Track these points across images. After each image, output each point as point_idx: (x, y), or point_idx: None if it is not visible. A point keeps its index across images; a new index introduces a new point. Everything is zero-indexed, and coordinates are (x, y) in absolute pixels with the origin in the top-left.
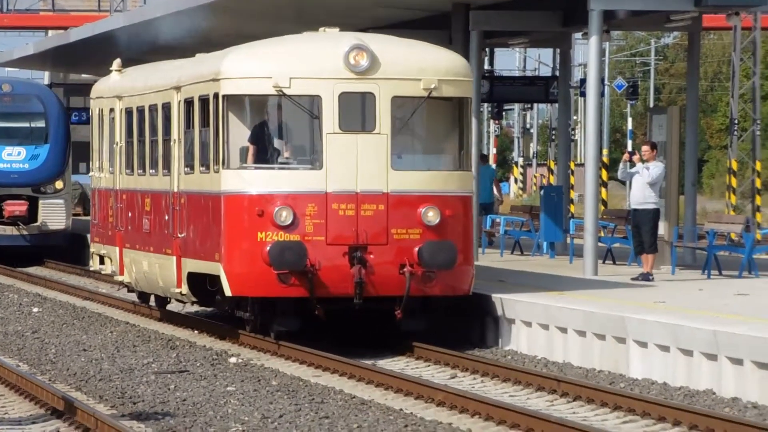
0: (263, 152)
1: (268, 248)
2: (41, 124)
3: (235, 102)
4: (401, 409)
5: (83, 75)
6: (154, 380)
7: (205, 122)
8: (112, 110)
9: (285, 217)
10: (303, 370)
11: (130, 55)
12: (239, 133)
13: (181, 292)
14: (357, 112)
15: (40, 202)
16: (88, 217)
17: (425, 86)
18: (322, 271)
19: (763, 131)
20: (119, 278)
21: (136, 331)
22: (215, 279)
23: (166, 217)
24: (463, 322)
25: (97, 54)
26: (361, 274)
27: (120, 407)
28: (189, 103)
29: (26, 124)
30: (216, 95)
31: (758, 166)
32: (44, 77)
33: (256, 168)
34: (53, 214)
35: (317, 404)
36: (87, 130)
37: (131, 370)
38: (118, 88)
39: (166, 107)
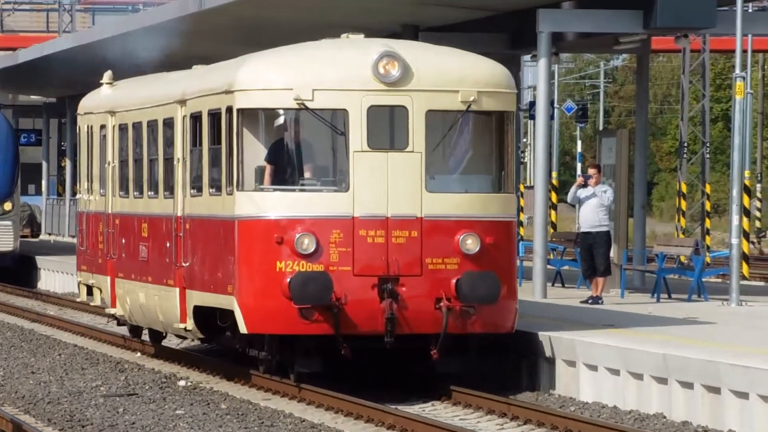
0: (282, 172)
1: (288, 280)
2: None
3: (251, 117)
4: None
5: (32, 96)
6: (103, 403)
7: (215, 139)
8: (103, 127)
9: (307, 244)
10: (253, 393)
11: (76, 76)
12: (255, 152)
13: (185, 328)
14: (387, 127)
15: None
16: (36, 239)
17: (464, 99)
18: (349, 306)
19: (712, 154)
20: (111, 311)
21: (85, 353)
22: (226, 314)
23: (168, 245)
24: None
25: (45, 75)
26: (392, 308)
27: (69, 430)
28: (196, 118)
29: None
30: (229, 109)
31: (708, 188)
32: None
33: (275, 190)
34: (1, 236)
35: (267, 427)
36: (36, 151)
37: (80, 392)
38: (110, 102)
39: (168, 123)
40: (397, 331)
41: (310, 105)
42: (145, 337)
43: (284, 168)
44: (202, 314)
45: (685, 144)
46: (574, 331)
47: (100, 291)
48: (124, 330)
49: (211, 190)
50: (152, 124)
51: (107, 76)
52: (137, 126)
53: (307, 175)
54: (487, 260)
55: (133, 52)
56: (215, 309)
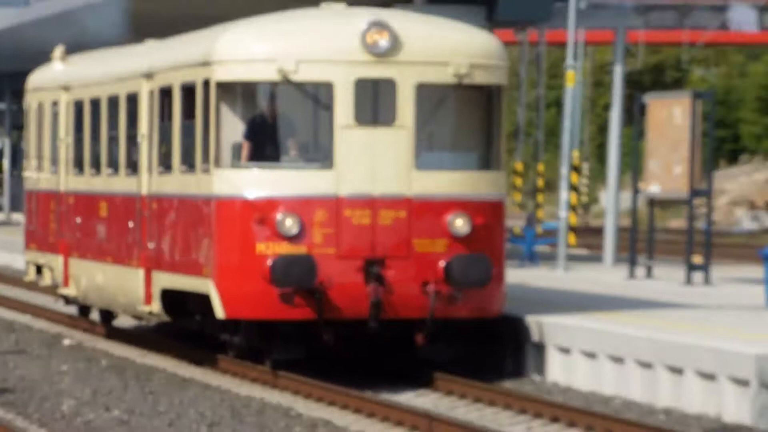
0: (264, 149)
1: (270, 263)
2: None
3: (229, 90)
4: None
5: None
6: None
7: (189, 114)
8: (55, 103)
9: (290, 225)
10: (130, 350)
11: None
12: (234, 127)
13: (150, 311)
14: (375, 101)
15: None
16: None
17: (455, 71)
18: (333, 290)
19: (546, 136)
20: (63, 291)
21: None
22: (199, 297)
23: (131, 224)
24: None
25: None
26: (377, 292)
27: None
28: (165, 92)
29: None
30: (206, 82)
31: (541, 167)
32: None
33: (255, 167)
34: None
35: (143, 381)
36: None
37: None
38: (63, 78)
39: (132, 98)
40: (382, 315)
41: (293, 77)
42: (95, 316)
43: (266, 145)
44: (169, 296)
45: (522, 127)
46: None
47: (51, 271)
48: (16, 292)
49: (182, 168)
50: (113, 100)
51: (59, 51)
52: (95, 102)
53: (290, 152)
54: (477, 242)
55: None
56: (186, 292)
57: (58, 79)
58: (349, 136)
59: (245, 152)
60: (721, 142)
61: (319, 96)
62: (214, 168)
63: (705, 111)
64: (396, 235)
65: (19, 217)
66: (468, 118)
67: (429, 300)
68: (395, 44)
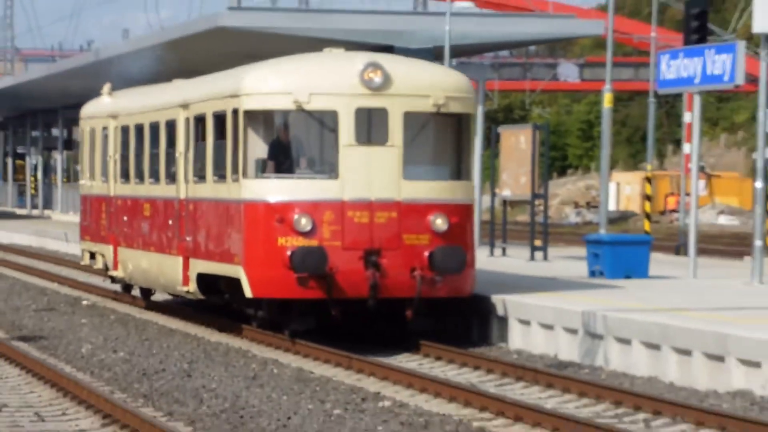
0: (282, 163)
1: (289, 253)
2: None
3: (254, 117)
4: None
5: None
6: (34, 315)
7: (219, 136)
8: (105, 128)
9: (304, 223)
10: (131, 308)
11: (14, 107)
12: (258, 145)
13: (187, 290)
14: (371, 126)
15: None
16: None
17: (434, 102)
18: (339, 275)
19: None
20: (112, 273)
21: (21, 283)
22: (230, 280)
23: (170, 222)
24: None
25: None
26: (375, 276)
27: (11, 332)
28: (199, 119)
29: None
30: (235, 110)
31: None
32: None
33: (276, 178)
34: None
35: (140, 331)
36: None
37: (18, 309)
38: (111, 108)
39: (170, 124)
40: (378, 295)
41: (305, 107)
42: (136, 292)
43: (284, 159)
44: (203, 278)
45: None
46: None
47: (103, 257)
48: (47, 266)
49: (214, 178)
50: (154, 125)
51: (107, 87)
52: (139, 127)
53: (303, 165)
54: (453, 237)
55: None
56: (217, 275)
57: (107, 110)
58: (350, 153)
59: (270, 165)
60: (554, 161)
61: (326, 121)
62: (242, 178)
63: (542, 138)
64: (389, 231)
65: (49, 212)
66: (444, 139)
67: (416, 283)
68: (387, 81)
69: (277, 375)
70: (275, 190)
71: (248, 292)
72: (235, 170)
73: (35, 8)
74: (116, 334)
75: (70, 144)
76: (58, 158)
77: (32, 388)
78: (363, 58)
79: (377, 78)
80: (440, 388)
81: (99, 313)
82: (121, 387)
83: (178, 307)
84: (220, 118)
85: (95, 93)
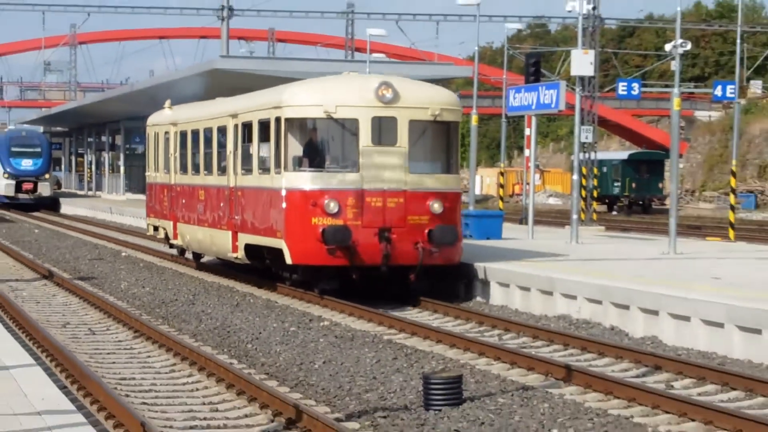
0: (315, 159)
1: (321, 230)
2: (39, 149)
3: (293, 123)
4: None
5: (55, 129)
6: (88, 262)
7: (263, 138)
8: (167, 133)
9: (333, 207)
10: (153, 259)
11: (77, 122)
12: (296, 145)
13: (236, 257)
14: (384, 131)
15: (39, 183)
16: (59, 190)
17: (432, 113)
18: (359, 247)
19: None
20: (173, 242)
21: (80, 241)
22: (272, 249)
23: (222, 204)
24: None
25: (65, 119)
26: (386, 248)
27: (73, 274)
28: (246, 125)
29: (32, 149)
30: (278, 118)
31: None
32: (40, 129)
33: (310, 171)
34: (44, 189)
35: (160, 274)
36: (57, 152)
37: (77, 258)
38: (171, 118)
39: (221, 129)
40: (389, 263)
41: (333, 116)
42: (188, 256)
43: (316, 156)
44: (249, 248)
45: None
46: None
47: (165, 230)
48: (98, 229)
49: (259, 171)
50: (207, 130)
51: (168, 102)
52: (195, 132)
53: (331, 161)
54: (446, 217)
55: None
56: (261, 246)
57: (168, 119)
58: (367, 152)
59: (305, 161)
60: None
61: (349, 127)
62: (284, 171)
63: None
64: (397, 213)
65: (99, 193)
66: (438, 141)
67: (418, 253)
68: (396, 96)
69: (310, 326)
70: (310, 180)
71: (289, 260)
72: (277, 165)
73: (91, 54)
74: (144, 275)
75: (114, 147)
76: (106, 156)
77: (87, 311)
78: (378, 79)
79: (388, 94)
80: (430, 332)
81: (132, 262)
82: (146, 311)
83: (216, 266)
84: (264, 125)
85: (132, 113)
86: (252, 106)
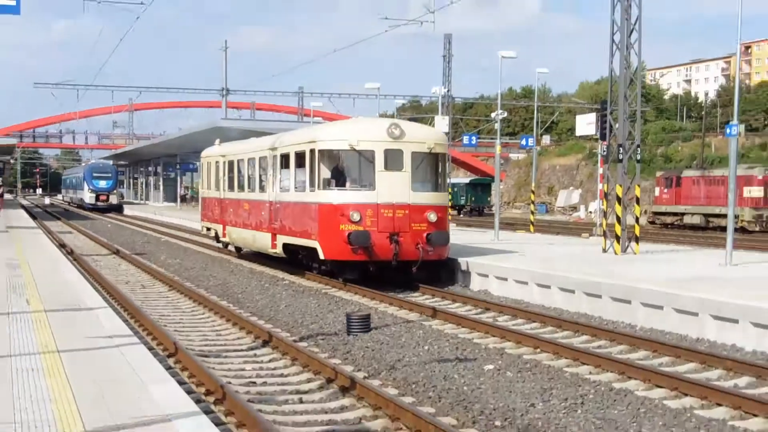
0: (341, 180)
1: (347, 233)
2: (110, 174)
3: (324, 153)
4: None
5: (120, 162)
6: (141, 243)
7: (298, 165)
8: (217, 162)
9: (356, 216)
10: (184, 243)
11: (133, 158)
12: (325, 170)
13: (275, 252)
14: (393, 159)
15: (110, 195)
16: (123, 200)
17: (428, 147)
18: (376, 247)
19: None
20: (222, 239)
21: (136, 231)
22: (306, 248)
23: (263, 213)
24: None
25: (126, 156)
26: (396, 248)
27: (131, 250)
28: (284, 156)
29: (106, 174)
30: (312, 150)
31: None
32: (111, 162)
33: (338, 189)
34: (113, 199)
35: (189, 252)
36: (122, 177)
37: (134, 241)
38: (220, 151)
39: (262, 159)
40: (398, 259)
41: (355, 148)
42: (231, 248)
43: (342, 178)
44: (285, 246)
45: None
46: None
47: (216, 231)
48: (147, 224)
49: (295, 189)
50: (251, 160)
51: (218, 141)
52: (240, 161)
53: (355, 182)
54: (439, 225)
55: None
56: (297, 245)
57: (218, 152)
58: (381, 175)
59: (333, 182)
60: None
61: (367, 156)
62: (317, 189)
63: None
64: (404, 221)
65: (148, 202)
66: (432, 168)
67: (419, 252)
68: (402, 133)
69: (336, 301)
70: (338, 197)
71: (321, 256)
72: (312, 185)
73: (142, 116)
74: (177, 252)
75: (156, 173)
76: (151, 179)
77: (139, 274)
78: (388, 121)
79: (396, 131)
80: (424, 309)
81: (168, 244)
82: (177, 274)
83: (250, 255)
84: (299, 155)
85: (167, 153)
86: (287, 142)
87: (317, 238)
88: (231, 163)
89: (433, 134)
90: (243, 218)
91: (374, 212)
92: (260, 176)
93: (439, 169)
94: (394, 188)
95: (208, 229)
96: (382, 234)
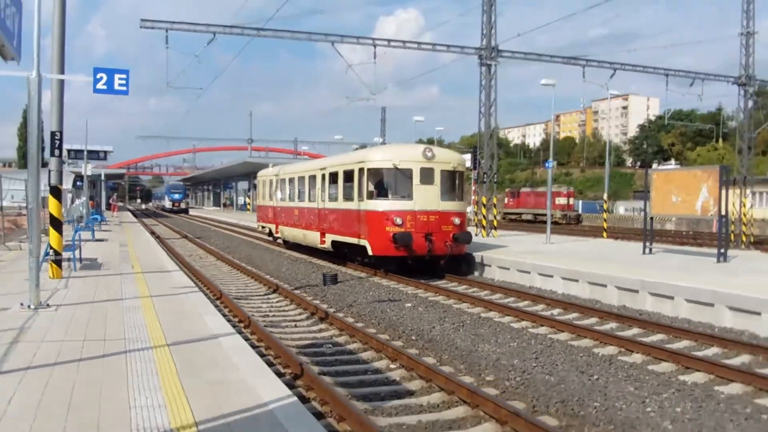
0: (382, 192)
1: (392, 235)
2: (181, 190)
3: (371, 171)
4: (427, 298)
5: (187, 182)
6: (198, 231)
7: (346, 180)
8: (271, 181)
9: (398, 221)
10: (232, 233)
11: (196, 180)
12: (371, 185)
13: (324, 247)
14: (427, 176)
15: (181, 203)
16: (189, 206)
17: (452, 166)
18: (415, 244)
19: None
20: (275, 235)
21: (195, 225)
22: (353, 246)
23: (312, 217)
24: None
25: (191, 180)
26: (430, 246)
27: (194, 236)
28: (333, 174)
29: (179, 190)
30: (361, 169)
31: None
32: (181, 182)
33: (382, 199)
34: (183, 206)
35: (236, 240)
36: (189, 191)
37: (194, 229)
38: (274, 172)
39: (312, 177)
40: (431, 254)
41: (398, 166)
42: (280, 242)
43: (386, 191)
44: (333, 242)
45: None
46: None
47: (270, 229)
48: (201, 221)
49: (343, 199)
50: (301, 178)
51: (271, 164)
52: (291, 179)
53: (396, 194)
54: (463, 227)
55: (215, 176)
56: (344, 243)
57: (272, 172)
58: (418, 188)
59: (377, 193)
60: None
61: (406, 173)
62: (366, 199)
63: None
64: (435, 224)
65: (204, 207)
66: (455, 183)
67: (447, 248)
68: (433, 156)
69: (379, 285)
70: (382, 205)
71: (370, 252)
72: (360, 196)
73: (201, 156)
74: (222, 237)
75: (209, 190)
76: (205, 194)
77: (196, 249)
78: (423, 146)
79: (429, 154)
80: (451, 294)
81: (218, 233)
82: (226, 251)
83: (295, 247)
84: (348, 173)
85: (216, 178)
86: (336, 163)
87: (366, 238)
88: (283, 180)
89: (456, 157)
90: (294, 220)
91: (413, 217)
92: (309, 189)
93: (460, 184)
94: (428, 198)
95: (263, 227)
96: (419, 234)
